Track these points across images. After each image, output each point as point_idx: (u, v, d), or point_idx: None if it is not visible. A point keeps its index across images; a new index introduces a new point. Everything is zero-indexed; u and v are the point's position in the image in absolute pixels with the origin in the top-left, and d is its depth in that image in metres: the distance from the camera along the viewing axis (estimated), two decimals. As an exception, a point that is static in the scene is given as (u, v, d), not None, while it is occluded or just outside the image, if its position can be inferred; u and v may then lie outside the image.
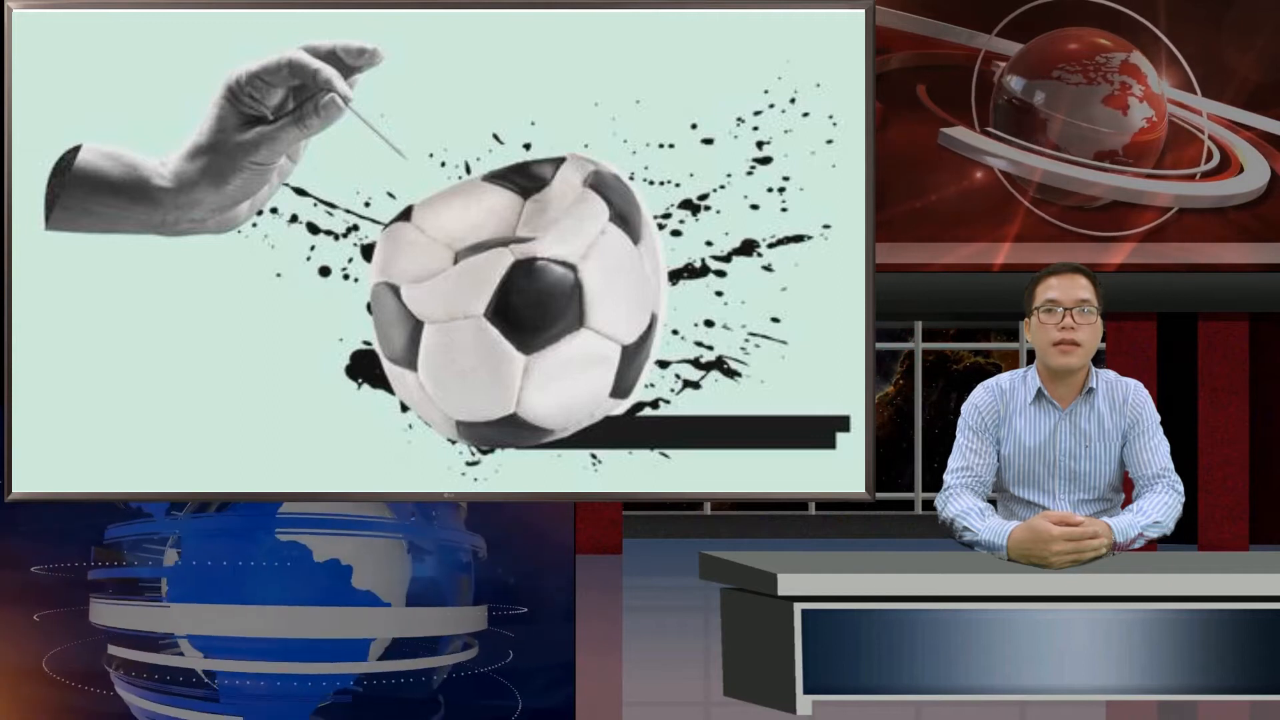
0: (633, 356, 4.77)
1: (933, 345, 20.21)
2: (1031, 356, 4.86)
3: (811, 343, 4.93)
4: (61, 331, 4.93)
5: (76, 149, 4.62)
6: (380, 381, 4.89)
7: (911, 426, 20.06)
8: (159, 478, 4.96)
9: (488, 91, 4.93)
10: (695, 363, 4.90)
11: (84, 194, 4.62)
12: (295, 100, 4.59)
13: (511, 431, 4.78)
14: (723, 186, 4.91)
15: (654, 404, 4.91)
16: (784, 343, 4.91)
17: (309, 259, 4.91)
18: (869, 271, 4.96)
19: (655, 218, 4.88)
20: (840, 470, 5.00)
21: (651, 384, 4.90)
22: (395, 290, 4.73)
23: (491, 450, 4.91)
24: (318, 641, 5.13)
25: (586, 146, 4.89)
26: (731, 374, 4.89)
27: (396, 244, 4.80)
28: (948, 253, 14.31)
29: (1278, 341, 16.25)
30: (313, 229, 4.90)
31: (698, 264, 4.90)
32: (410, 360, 4.75)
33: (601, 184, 4.75)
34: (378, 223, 4.89)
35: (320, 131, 4.64)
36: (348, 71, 4.62)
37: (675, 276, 4.90)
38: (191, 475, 4.96)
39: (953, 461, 4.80)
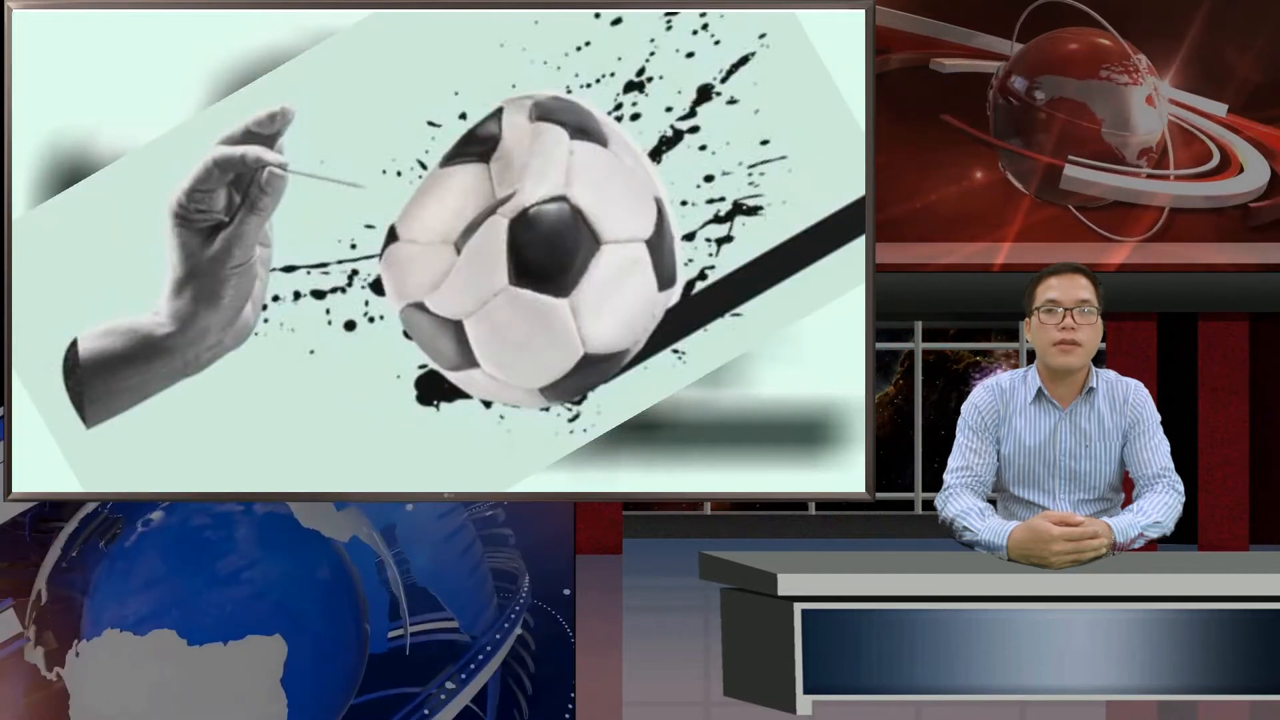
0: (659, 246, 4.83)
1: (933, 345, 20.20)
2: (1031, 356, 4.85)
3: (806, 141, 4.93)
4: (63, 331, 4.93)
5: (73, 344, 4.77)
6: (455, 393, 4.91)
7: (911, 426, 20.06)
8: (170, 478, 4.97)
9: (401, 88, 4.93)
10: (716, 219, 4.91)
11: (104, 380, 4.79)
12: (238, 191, 4.71)
13: (592, 371, 4.84)
14: (653, 54, 4.92)
15: (701, 275, 4.92)
16: (784, 157, 4.91)
17: (330, 323, 4.93)
18: (869, 271, 4.96)
19: (609, 113, 4.90)
20: (840, 470, 5.00)
21: (689, 259, 4.92)
22: (420, 306, 4.81)
23: (584, 397, 4.92)
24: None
25: (514, 86, 4.91)
26: (753, 211, 4.90)
27: (399, 266, 4.86)
28: (948, 253, 14.31)
29: (1278, 341, 16.24)
30: (318, 294, 4.92)
31: (669, 133, 4.92)
32: (468, 360, 4.82)
33: (547, 111, 4.83)
34: (371, 257, 4.91)
35: (276, 207, 4.74)
36: (269, 140, 4.73)
37: (656, 154, 4.92)
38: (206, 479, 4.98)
39: (952, 461, 4.80)
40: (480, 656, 5.19)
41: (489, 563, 5.21)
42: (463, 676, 5.18)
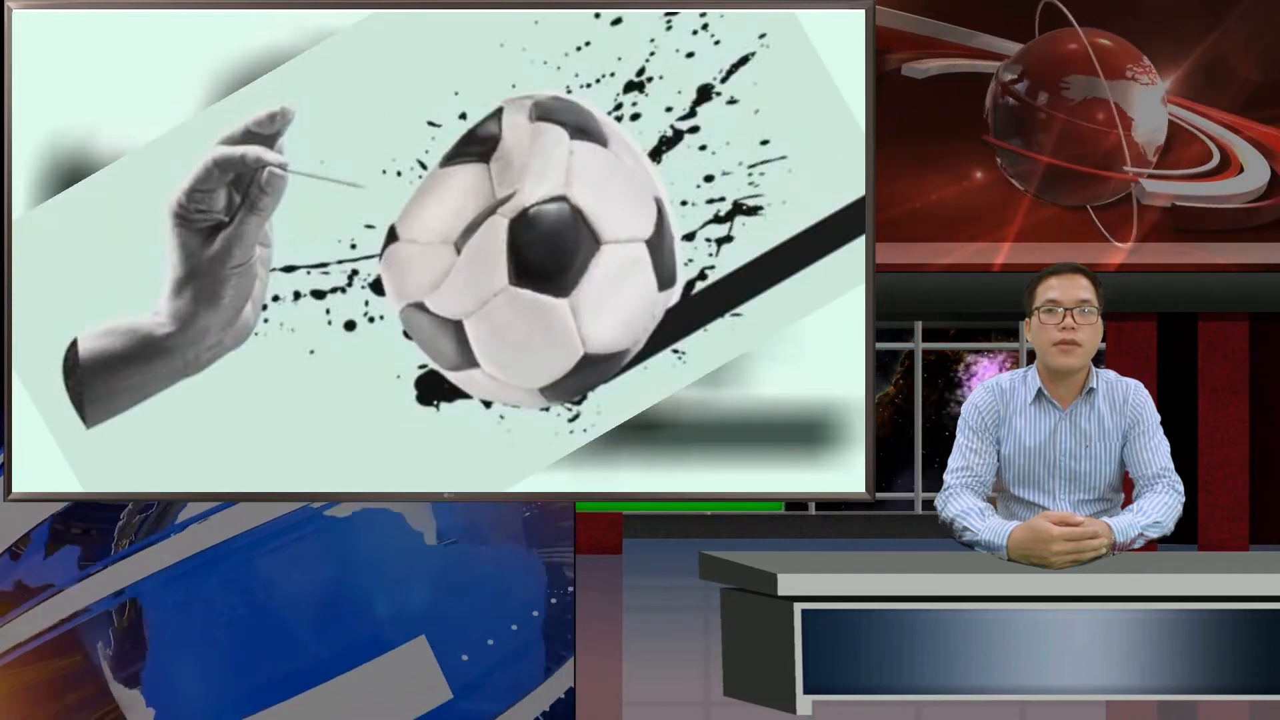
0: (659, 246, 4.84)
1: (933, 345, 20.20)
2: (1031, 356, 4.86)
3: (806, 141, 4.93)
4: (63, 331, 4.93)
5: (73, 344, 4.78)
6: (455, 393, 4.91)
7: (911, 426, 20.06)
8: (173, 478, 4.97)
9: (401, 88, 4.94)
10: (716, 219, 4.91)
11: (104, 380, 4.80)
12: (238, 191, 4.72)
13: (592, 371, 4.84)
14: (653, 54, 4.92)
15: (701, 275, 4.92)
16: (784, 157, 4.92)
17: (330, 323, 4.93)
18: (869, 271, 4.96)
19: (609, 113, 4.91)
20: (840, 470, 5.00)
21: (689, 259, 4.92)
22: (420, 306, 4.81)
23: (584, 397, 4.92)
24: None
25: (514, 86, 4.91)
26: (753, 211, 4.91)
27: (399, 265, 4.86)
28: (948, 253, 14.31)
29: (1278, 341, 16.24)
30: (318, 294, 4.92)
31: (669, 133, 4.92)
32: (468, 360, 4.83)
33: (547, 111, 4.83)
34: (371, 257, 4.91)
35: (276, 207, 4.74)
36: (269, 140, 4.74)
37: (656, 154, 4.92)
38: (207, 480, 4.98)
39: (953, 461, 4.80)
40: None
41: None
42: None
